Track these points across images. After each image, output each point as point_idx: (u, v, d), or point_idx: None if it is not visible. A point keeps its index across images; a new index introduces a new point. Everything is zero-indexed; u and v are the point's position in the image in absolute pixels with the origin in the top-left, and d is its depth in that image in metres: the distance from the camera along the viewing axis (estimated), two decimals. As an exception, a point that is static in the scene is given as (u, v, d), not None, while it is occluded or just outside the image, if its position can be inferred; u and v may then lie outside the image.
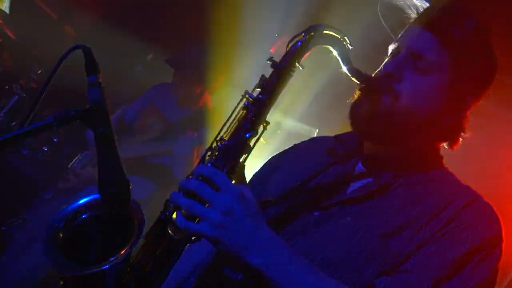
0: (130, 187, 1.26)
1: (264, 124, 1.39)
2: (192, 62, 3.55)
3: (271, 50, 4.66)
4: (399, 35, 1.61)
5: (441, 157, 1.63)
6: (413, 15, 1.58)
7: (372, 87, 1.48)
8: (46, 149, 4.28)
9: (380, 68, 1.58)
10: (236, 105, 1.41)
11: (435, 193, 1.48)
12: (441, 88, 1.51)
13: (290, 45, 1.38)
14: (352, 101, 1.59)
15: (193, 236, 1.34)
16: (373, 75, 1.53)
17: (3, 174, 4.22)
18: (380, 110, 1.50)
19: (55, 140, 4.30)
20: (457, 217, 1.40)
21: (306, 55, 1.39)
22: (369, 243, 1.40)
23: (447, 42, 1.49)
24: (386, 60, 1.60)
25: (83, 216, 1.41)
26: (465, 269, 1.34)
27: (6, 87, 4.51)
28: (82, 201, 1.43)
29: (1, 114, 4.31)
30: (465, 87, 1.53)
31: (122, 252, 1.28)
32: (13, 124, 4.33)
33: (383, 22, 1.70)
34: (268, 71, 1.42)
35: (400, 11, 1.60)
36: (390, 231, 1.40)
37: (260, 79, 1.39)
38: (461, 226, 1.38)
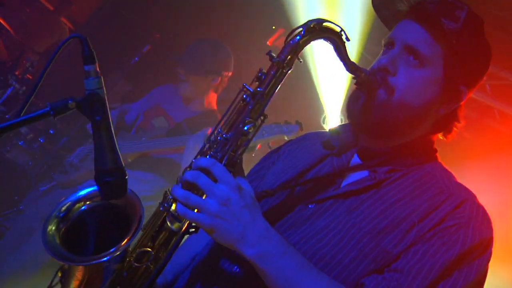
0: (126, 177, 1.26)
1: (263, 117, 1.40)
2: (197, 58, 3.58)
3: (267, 43, 4.67)
4: (393, 28, 1.61)
5: (435, 150, 1.64)
6: (405, 7, 1.58)
7: (367, 81, 1.48)
8: (42, 141, 4.27)
9: (374, 62, 1.59)
10: (234, 98, 1.41)
11: (428, 190, 1.48)
12: (435, 81, 1.52)
13: (288, 39, 1.38)
14: (349, 95, 1.60)
15: (190, 226, 1.35)
16: (368, 69, 1.53)
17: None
18: (375, 104, 1.51)
19: (51, 131, 4.30)
20: (448, 217, 1.40)
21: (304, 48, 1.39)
22: (361, 240, 1.41)
23: (439, 34, 1.49)
24: (380, 53, 1.61)
25: (83, 207, 1.42)
26: (454, 271, 1.35)
27: (1, 78, 4.49)
28: (82, 192, 1.44)
29: (-4, 105, 4.30)
30: (460, 78, 1.55)
31: (121, 244, 1.29)
32: (8, 115, 4.31)
33: (377, 15, 1.70)
34: (264, 64, 1.42)
35: (392, 4, 1.61)
36: (382, 228, 1.41)
37: (258, 71, 1.39)
38: (452, 227, 1.39)
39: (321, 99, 4.16)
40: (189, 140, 3.19)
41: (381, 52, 1.62)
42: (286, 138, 3.06)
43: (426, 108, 1.54)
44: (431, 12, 1.48)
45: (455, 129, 1.63)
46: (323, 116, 3.93)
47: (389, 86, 1.50)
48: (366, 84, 1.49)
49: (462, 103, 1.59)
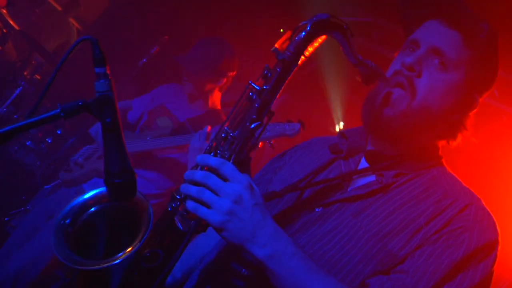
0: (136, 178, 1.26)
1: (269, 115, 1.39)
2: (201, 60, 3.58)
3: (275, 45, 4.66)
4: (417, 29, 1.61)
5: (441, 156, 1.64)
6: (431, 10, 1.58)
7: (374, 73, 1.46)
8: (49, 141, 4.29)
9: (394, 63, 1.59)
10: (240, 95, 1.41)
11: (434, 193, 1.49)
12: (456, 86, 1.53)
13: (294, 35, 1.37)
14: (369, 92, 1.59)
15: (198, 226, 1.35)
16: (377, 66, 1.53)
17: (6, 165, 4.24)
18: (395, 105, 1.51)
19: (59, 132, 4.31)
20: (454, 220, 1.41)
21: (311, 44, 1.39)
22: (367, 242, 1.41)
23: (469, 41, 1.51)
24: (399, 54, 1.61)
25: (91, 210, 1.41)
26: (459, 274, 1.35)
27: (10, 78, 4.52)
28: (89, 194, 1.43)
29: (5, 106, 4.32)
30: (477, 86, 1.56)
31: (132, 247, 1.29)
32: (16, 116, 4.33)
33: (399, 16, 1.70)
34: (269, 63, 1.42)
35: (417, 6, 1.61)
36: (389, 230, 1.41)
37: (264, 69, 1.38)
38: (457, 230, 1.39)
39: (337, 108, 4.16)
40: (192, 141, 3.18)
41: (399, 54, 1.62)
42: (288, 136, 3.04)
43: (443, 112, 1.54)
44: (463, 18, 1.49)
45: (461, 135, 1.63)
46: (338, 125, 3.92)
47: (413, 86, 1.51)
48: (371, 77, 1.47)
49: (472, 112, 1.60)
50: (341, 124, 4.20)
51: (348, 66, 1.46)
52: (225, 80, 3.66)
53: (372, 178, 1.56)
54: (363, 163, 1.63)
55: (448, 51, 1.51)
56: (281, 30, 4.73)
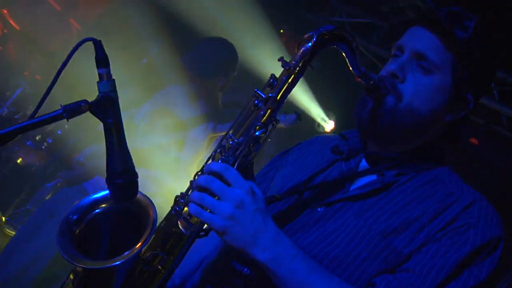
0: (138, 178, 1.27)
1: (274, 123, 1.41)
2: (203, 61, 3.59)
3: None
4: (402, 35, 1.63)
5: (444, 156, 1.65)
6: (415, 15, 1.59)
7: (376, 87, 1.49)
8: (50, 141, 4.29)
9: (383, 69, 1.60)
10: (246, 103, 1.43)
11: (438, 192, 1.49)
12: (443, 88, 1.54)
13: (300, 45, 1.40)
14: (357, 100, 1.61)
15: (201, 230, 1.36)
16: (377, 76, 1.54)
17: (6, 165, 4.25)
18: (383, 110, 1.52)
19: (59, 132, 4.32)
20: (459, 217, 1.41)
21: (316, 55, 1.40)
22: (371, 241, 1.42)
23: (450, 42, 1.51)
24: (389, 60, 1.63)
25: (97, 210, 1.42)
26: (465, 271, 1.36)
27: (10, 78, 4.52)
28: (96, 195, 1.44)
29: (6, 106, 4.32)
30: (467, 87, 1.56)
31: (135, 247, 1.29)
32: (17, 116, 4.34)
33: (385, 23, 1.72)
34: (273, 68, 1.43)
35: (401, 12, 1.62)
36: (393, 229, 1.42)
37: (270, 78, 1.40)
38: (463, 227, 1.40)
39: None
40: (192, 132, 3.18)
41: (389, 59, 1.63)
42: (284, 127, 3.05)
43: (434, 115, 1.54)
44: (443, 20, 1.49)
45: (462, 136, 1.64)
46: (316, 123, 3.94)
47: (398, 92, 1.52)
48: (375, 89, 1.50)
49: (468, 111, 1.60)
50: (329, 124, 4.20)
51: (343, 66, 1.47)
52: (226, 80, 3.67)
53: (373, 177, 1.57)
54: (364, 164, 1.64)
55: (430, 54, 1.52)
56: (281, 30, 4.74)
